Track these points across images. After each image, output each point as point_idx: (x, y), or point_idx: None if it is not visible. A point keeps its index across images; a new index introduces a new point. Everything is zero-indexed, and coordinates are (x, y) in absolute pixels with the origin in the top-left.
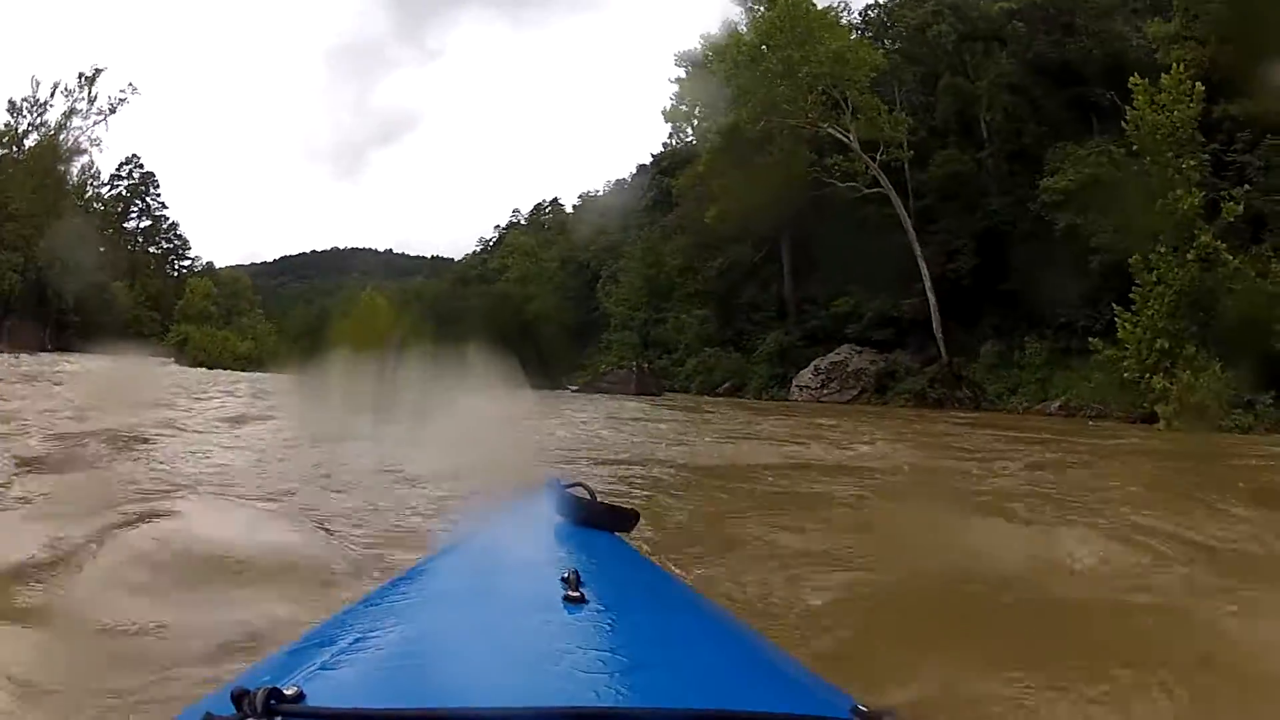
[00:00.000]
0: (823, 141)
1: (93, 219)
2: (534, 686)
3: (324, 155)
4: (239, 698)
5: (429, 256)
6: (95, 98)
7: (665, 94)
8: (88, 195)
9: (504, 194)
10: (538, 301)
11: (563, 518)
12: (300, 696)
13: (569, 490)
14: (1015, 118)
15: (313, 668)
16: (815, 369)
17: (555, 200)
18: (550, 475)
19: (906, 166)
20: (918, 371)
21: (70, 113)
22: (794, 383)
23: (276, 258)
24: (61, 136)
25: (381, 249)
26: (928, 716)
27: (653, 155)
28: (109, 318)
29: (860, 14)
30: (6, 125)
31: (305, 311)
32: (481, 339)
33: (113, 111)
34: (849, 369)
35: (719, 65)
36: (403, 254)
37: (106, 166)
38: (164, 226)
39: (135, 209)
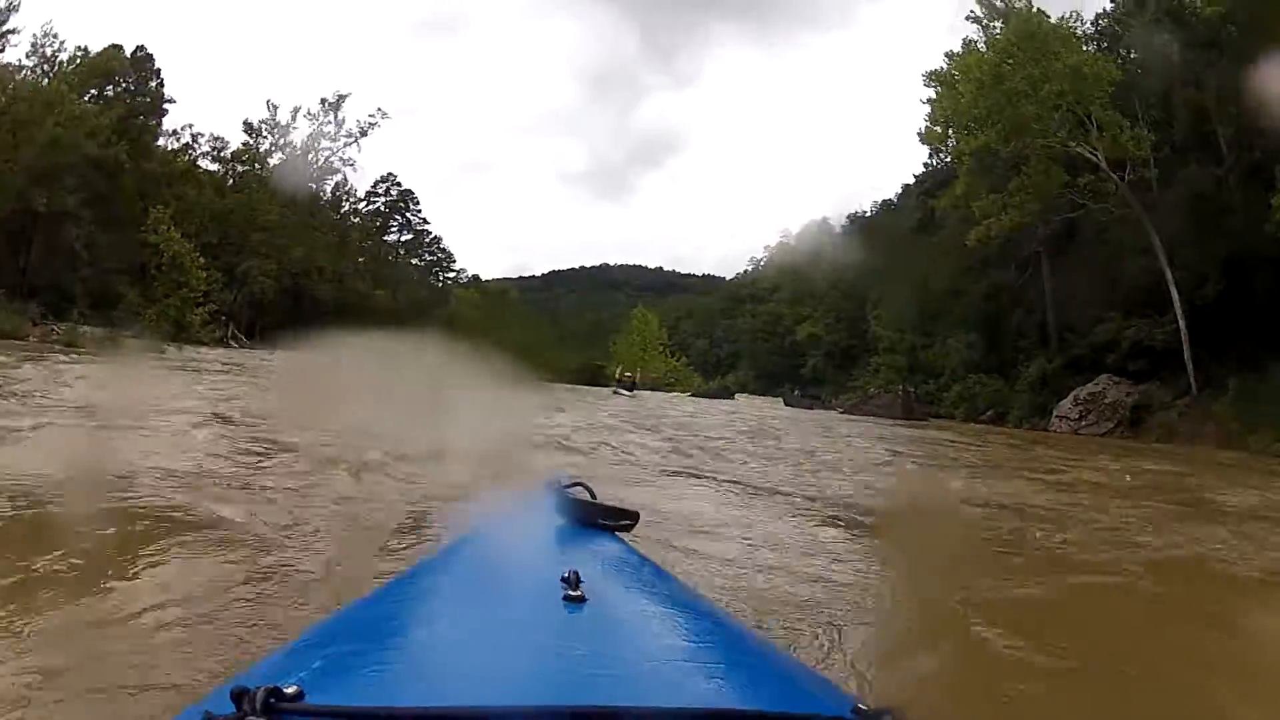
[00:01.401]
0: (1074, 160)
1: (350, 231)
2: (534, 686)
3: (585, 177)
4: (239, 696)
5: (700, 274)
6: (343, 121)
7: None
8: (344, 210)
9: (772, 213)
10: (809, 323)
11: (563, 518)
12: (300, 695)
13: (569, 490)
14: (1247, 131)
15: (313, 666)
16: (1075, 399)
17: (824, 220)
18: (552, 476)
19: (1155, 185)
20: (1169, 404)
21: (318, 135)
22: (1054, 413)
23: (545, 272)
24: (310, 156)
25: (651, 265)
26: (927, 716)
27: (914, 176)
28: (371, 321)
29: (1093, 24)
30: (245, 144)
31: (576, 323)
32: (750, 358)
33: (363, 134)
34: (1106, 400)
35: (965, 85)
36: (673, 271)
37: (365, 185)
38: (426, 240)
39: (395, 223)
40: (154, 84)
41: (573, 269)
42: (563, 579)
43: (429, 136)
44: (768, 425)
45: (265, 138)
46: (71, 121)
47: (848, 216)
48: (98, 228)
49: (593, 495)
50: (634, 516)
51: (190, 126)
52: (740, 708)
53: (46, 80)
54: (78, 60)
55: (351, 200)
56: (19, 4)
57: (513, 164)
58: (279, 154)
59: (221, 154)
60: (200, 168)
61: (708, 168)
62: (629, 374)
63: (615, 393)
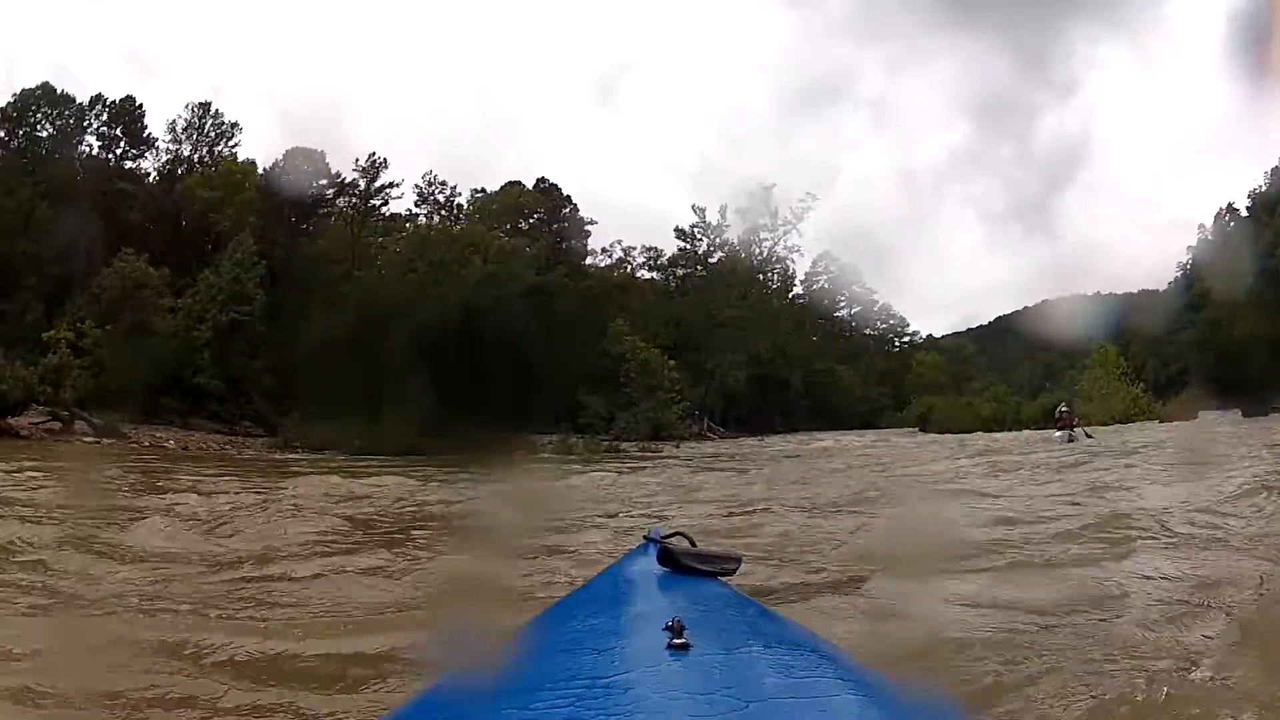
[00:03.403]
0: None
1: (803, 313)
2: None
3: (1004, 214)
4: None
5: (1135, 291)
6: (776, 212)
7: None
8: (791, 294)
9: (1182, 210)
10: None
11: (665, 568)
12: None
13: (668, 540)
14: None
15: None
16: None
17: (1230, 205)
18: (651, 528)
19: None
20: None
21: (754, 228)
22: None
23: (993, 318)
24: (754, 249)
25: (1089, 292)
26: None
27: None
28: (837, 397)
29: None
30: (680, 249)
31: (1030, 370)
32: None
33: (798, 220)
34: None
35: None
36: (1109, 294)
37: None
38: (875, 309)
39: (843, 297)
40: (567, 209)
41: (1017, 311)
42: (666, 627)
43: (844, 205)
44: None
45: (700, 240)
46: (502, 256)
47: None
48: (545, 346)
49: (692, 543)
50: (736, 560)
51: (620, 241)
52: None
53: (438, 220)
54: (477, 200)
55: (797, 282)
56: (385, 160)
57: (932, 215)
58: (719, 253)
59: (659, 262)
60: (638, 278)
61: (1117, 179)
62: (1064, 410)
63: (1068, 439)
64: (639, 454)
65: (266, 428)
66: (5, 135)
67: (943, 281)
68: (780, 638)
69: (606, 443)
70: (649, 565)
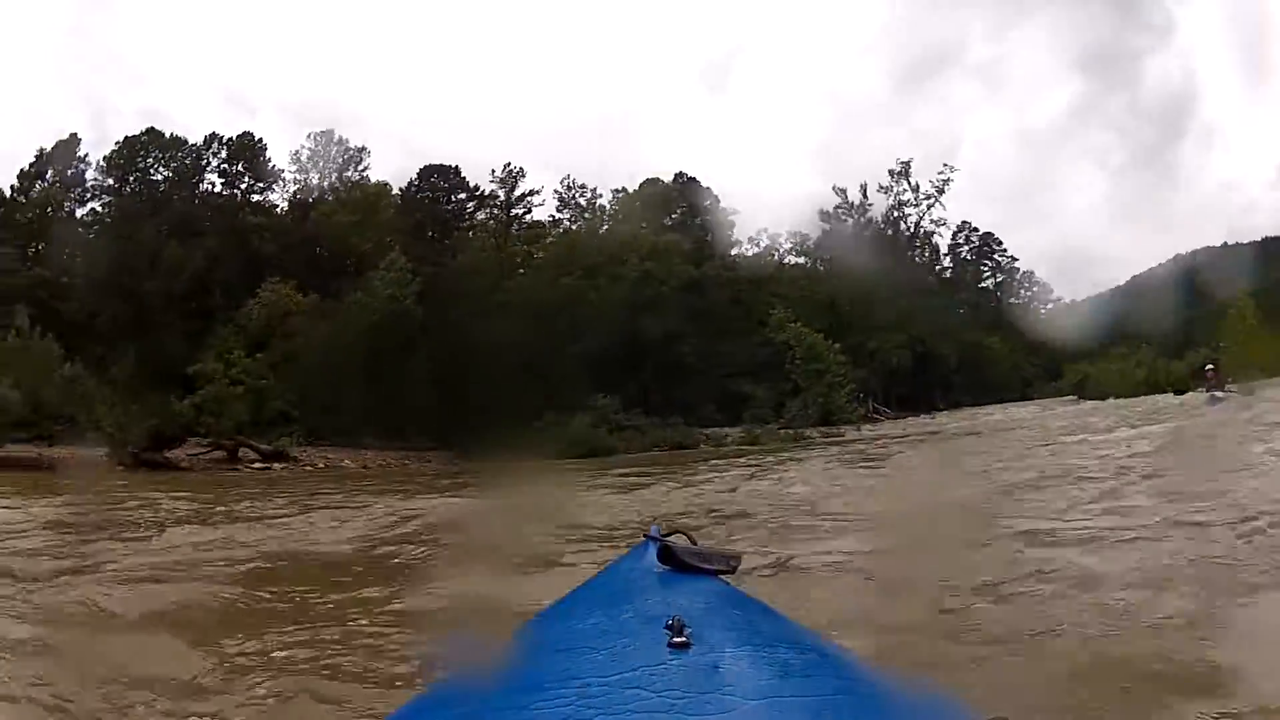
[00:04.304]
0: None
1: (951, 286)
2: None
3: (1125, 169)
4: None
5: (1259, 239)
6: (917, 186)
7: None
8: (938, 268)
9: None
10: None
11: (665, 566)
12: None
13: (669, 539)
14: None
15: None
16: None
17: None
18: (651, 526)
19: None
20: None
21: (897, 204)
22: None
23: (1128, 279)
24: (901, 226)
25: (1216, 244)
26: None
27: None
28: (990, 370)
29: None
30: (825, 231)
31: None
32: None
33: (941, 193)
34: None
35: None
36: (1235, 244)
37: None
38: (1017, 278)
39: (986, 268)
40: (708, 203)
41: (1149, 269)
42: (666, 626)
43: (970, 173)
44: None
45: (845, 220)
46: (655, 254)
47: None
48: (703, 340)
49: (693, 542)
50: (736, 558)
51: (766, 230)
52: None
53: (581, 224)
54: (619, 200)
55: (941, 255)
56: (522, 169)
57: (1056, 177)
58: (865, 231)
59: (805, 246)
60: (786, 264)
61: (1231, 119)
62: (1210, 368)
63: (1212, 399)
64: (825, 440)
65: (435, 442)
66: (115, 183)
67: (1074, 244)
68: (781, 636)
69: (786, 431)
70: (649, 563)
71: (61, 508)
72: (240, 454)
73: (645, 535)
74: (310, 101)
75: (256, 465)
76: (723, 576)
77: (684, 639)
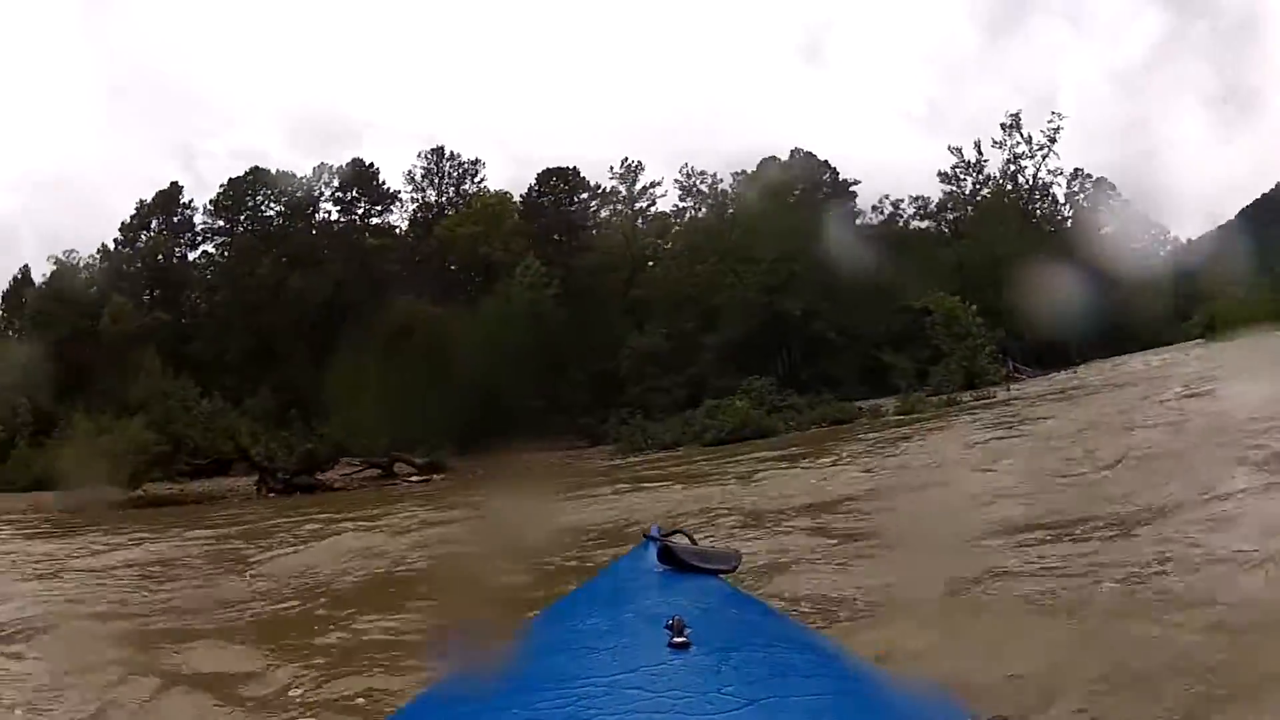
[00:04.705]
0: None
1: (1074, 235)
2: None
3: (1218, 98)
4: None
5: None
6: (1029, 138)
7: None
8: (1058, 219)
9: None
10: None
11: (665, 566)
12: None
13: (669, 538)
14: None
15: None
16: None
17: None
18: (651, 526)
19: None
20: None
21: (1014, 158)
22: None
23: (1237, 212)
24: (1019, 180)
25: None
26: None
27: None
28: (1117, 318)
29: None
30: (946, 193)
31: None
32: None
33: (1053, 142)
34: None
35: None
36: None
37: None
38: (1134, 222)
39: (1102, 212)
40: (826, 175)
41: (1256, 200)
42: (667, 626)
43: (1070, 120)
44: None
45: (964, 180)
46: (788, 233)
47: None
48: (839, 314)
49: (693, 541)
50: (736, 558)
51: (888, 196)
52: None
53: (705, 210)
54: (740, 182)
55: (1060, 205)
56: (640, 163)
57: (1152, 115)
58: (984, 189)
59: (927, 210)
60: (911, 229)
61: None
62: None
63: None
64: (980, 403)
65: (590, 438)
66: (226, 223)
67: (1180, 181)
68: (781, 636)
69: (937, 398)
70: (649, 563)
71: (253, 537)
72: (395, 469)
73: (645, 535)
74: (409, 120)
75: (414, 479)
76: (723, 576)
77: (684, 639)
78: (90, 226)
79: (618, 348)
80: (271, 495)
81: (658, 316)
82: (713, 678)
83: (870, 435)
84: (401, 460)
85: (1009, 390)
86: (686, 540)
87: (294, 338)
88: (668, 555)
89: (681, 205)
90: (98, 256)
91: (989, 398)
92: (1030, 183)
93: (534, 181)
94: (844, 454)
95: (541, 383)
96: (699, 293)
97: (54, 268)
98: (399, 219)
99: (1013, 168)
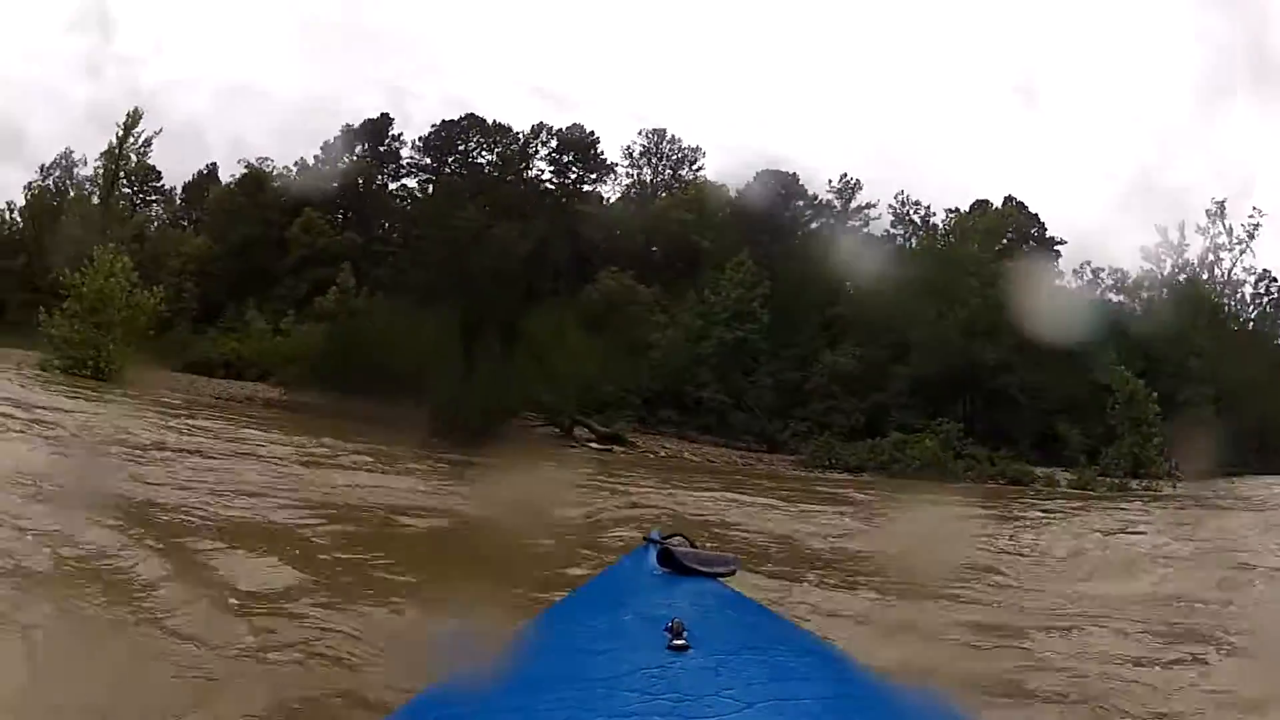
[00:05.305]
0: None
1: (1259, 339)
2: None
3: None
4: None
5: None
6: (1231, 229)
7: None
8: (1243, 318)
9: None
10: None
11: (665, 569)
12: None
13: (668, 541)
14: None
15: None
16: None
17: None
18: (651, 529)
19: None
20: None
21: (1215, 248)
22: None
23: None
24: (1215, 271)
25: None
26: None
27: None
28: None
29: None
30: (1144, 270)
31: None
32: None
33: (1251, 238)
34: None
35: None
36: None
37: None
38: None
39: None
40: (1035, 229)
41: None
42: (666, 628)
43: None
44: None
45: (1164, 260)
46: (994, 280)
47: None
48: (1027, 371)
49: (692, 544)
50: (735, 561)
51: (1089, 263)
52: None
53: (915, 241)
54: (952, 220)
55: (1246, 305)
56: (859, 181)
57: None
58: (1181, 275)
59: (1125, 285)
60: (1105, 301)
61: None
62: None
63: None
64: (1149, 495)
65: (768, 445)
66: (433, 162)
67: None
68: (780, 639)
69: (1110, 479)
70: (649, 566)
71: None
72: (575, 432)
73: (645, 538)
74: (628, 98)
75: (594, 445)
76: (722, 579)
77: (683, 641)
78: (278, 143)
79: (808, 361)
80: (435, 440)
81: (851, 337)
82: (712, 680)
83: (1076, 505)
84: (585, 425)
85: (1174, 488)
86: (686, 543)
87: (493, 283)
88: (667, 558)
89: (892, 231)
90: (295, 168)
91: (1156, 490)
92: (1225, 277)
93: (752, 179)
94: (1092, 524)
95: (730, 381)
96: (898, 323)
97: (244, 171)
98: (610, 190)
99: (1211, 258)
